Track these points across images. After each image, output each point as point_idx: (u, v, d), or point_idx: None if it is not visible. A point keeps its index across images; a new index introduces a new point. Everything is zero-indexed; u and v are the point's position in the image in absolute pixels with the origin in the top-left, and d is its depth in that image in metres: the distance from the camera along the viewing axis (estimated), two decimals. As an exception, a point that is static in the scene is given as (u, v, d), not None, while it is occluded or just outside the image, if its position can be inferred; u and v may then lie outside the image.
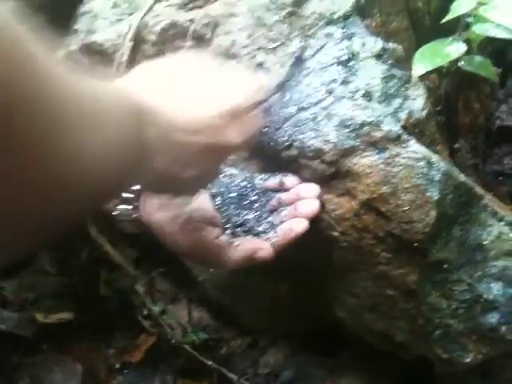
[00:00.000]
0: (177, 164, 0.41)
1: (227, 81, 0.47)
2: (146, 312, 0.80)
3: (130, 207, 0.51)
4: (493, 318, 0.58)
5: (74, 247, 0.81)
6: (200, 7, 0.63)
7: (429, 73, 0.62)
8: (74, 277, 0.81)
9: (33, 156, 0.24)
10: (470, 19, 0.66)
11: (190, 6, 0.63)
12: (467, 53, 0.65)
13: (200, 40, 0.63)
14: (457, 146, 0.74)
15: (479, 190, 0.61)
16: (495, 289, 0.58)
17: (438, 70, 0.67)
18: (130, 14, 0.68)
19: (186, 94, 0.42)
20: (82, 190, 0.29)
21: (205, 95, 0.44)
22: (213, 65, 0.48)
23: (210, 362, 0.78)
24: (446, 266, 0.57)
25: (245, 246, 0.53)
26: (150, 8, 0.64)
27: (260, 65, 0.59)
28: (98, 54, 0.69)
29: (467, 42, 0.66)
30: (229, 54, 0.60)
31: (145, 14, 0.65)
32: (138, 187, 0.51)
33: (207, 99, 0.44)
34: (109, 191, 0.35)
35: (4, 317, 0.78)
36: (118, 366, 0.80)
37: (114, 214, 0.51)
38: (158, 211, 0.52)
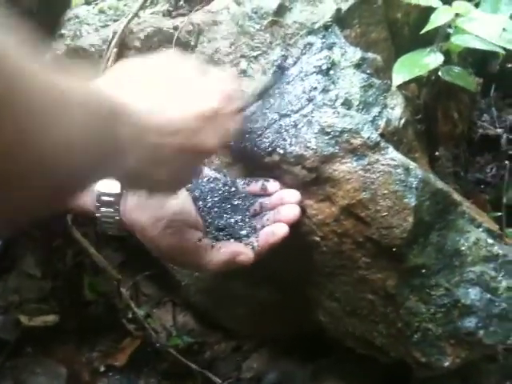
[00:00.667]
0: (151, 164, 0.40)
1: (205, 83, 0.46)
2: (130, 315, 0.80)
3: (112, 210, 0.52)
4: (470, 323, 0.59)
5: (59, 251, 0.81)
6: (184, 15, 0.64)
7: (408, 82, 0.63)
8: (59, 280, 0.81)
9: None
10: (449, 30, 0.67)
11: (175, 13, 0.64)
12: (447, 63, 0.67)
13: (184, 47, 0.64)
14: (437, 154, 0.76)
15: (457, 196, 0.62)
16: (472, 294, 0.59)
17: (417, 80, 0.68)
18: (115, 21, 0.69)
19: (163, 94, 0.42)
20: (42, 179, 0.29)
21: (181, 96, 0.43)
22: (193, 67, 0.48)
23: (194, 366, 0.78)
24: (423, 270, 0.58)
25: (226, 250, 0.54)
26: (135, 15, 0.65)
27: (243, 72, 0.60)
28: (83, 59, 0.70)
29: (447, 52, 0.67)
30: (212, 61, 0.61)
31: (129, 21, 0.66)
32: (118, 191, 0.51)
33: (183, 100, 0.43)
34: (74, 183, 0.34)
35: (-11, 320, 0.78)
36: (102, 369, 0.80)
37: (96, 216, 0.51)
38: (140, 214, 0.53)
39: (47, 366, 0.78)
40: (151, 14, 0.66)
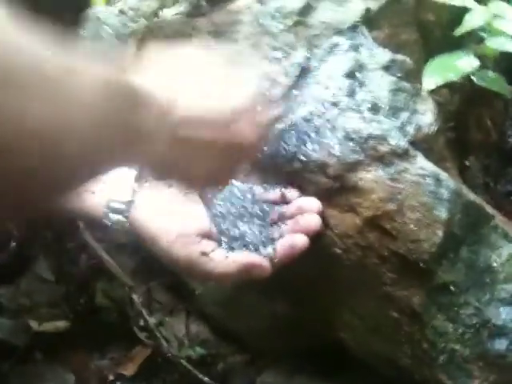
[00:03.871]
0: (183, 157, 0.38)
1: (239, 76, 0.44)
2: (142, 323, 0.78)
3: (121, 217, 0.50)
4: (501, 344, 0.57)
5: (72, 254, 0.80)
6: (205, 15, 0.62)
7: (439, 87, 0.60)
8: (71, 285, 0.80)
9: None
10: (483, 34, 0.64)
11: (195, 13, 0.63)
12: (480, 68, 0.64)
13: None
14: (467, 163, 0.73)
15: (489, 209, 0.59)
16: (504, 313, 0.57)
17: (449, 85, 0.65)
18: (136, 22, 0.67)
19: (192, 86, 0.39)
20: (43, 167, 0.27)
21: (213, 88, 0.40)
22: (225, 59, 0.45)
23: (205, 378, 0.76)
24: (452, 288, 0.56)
25: (241, 261, 0.51)
26: (155, 15, 0.64)
27: (265, 74, 0.58)
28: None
29: (480, 56, 0.64)
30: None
31: (150, 22, 0.64)
32: (129, 198, 0.49)
33: (215, 92, 0.40)
34: (89, 167, 0.32)
35: (-1, 324, 0.77)
36: (111, 377, 0.78)
37: (105, 223, 0.49)
38: (149, 223, 0.50)
39: (56, 372, 0.76)
40: (172, 14, 0.65)
